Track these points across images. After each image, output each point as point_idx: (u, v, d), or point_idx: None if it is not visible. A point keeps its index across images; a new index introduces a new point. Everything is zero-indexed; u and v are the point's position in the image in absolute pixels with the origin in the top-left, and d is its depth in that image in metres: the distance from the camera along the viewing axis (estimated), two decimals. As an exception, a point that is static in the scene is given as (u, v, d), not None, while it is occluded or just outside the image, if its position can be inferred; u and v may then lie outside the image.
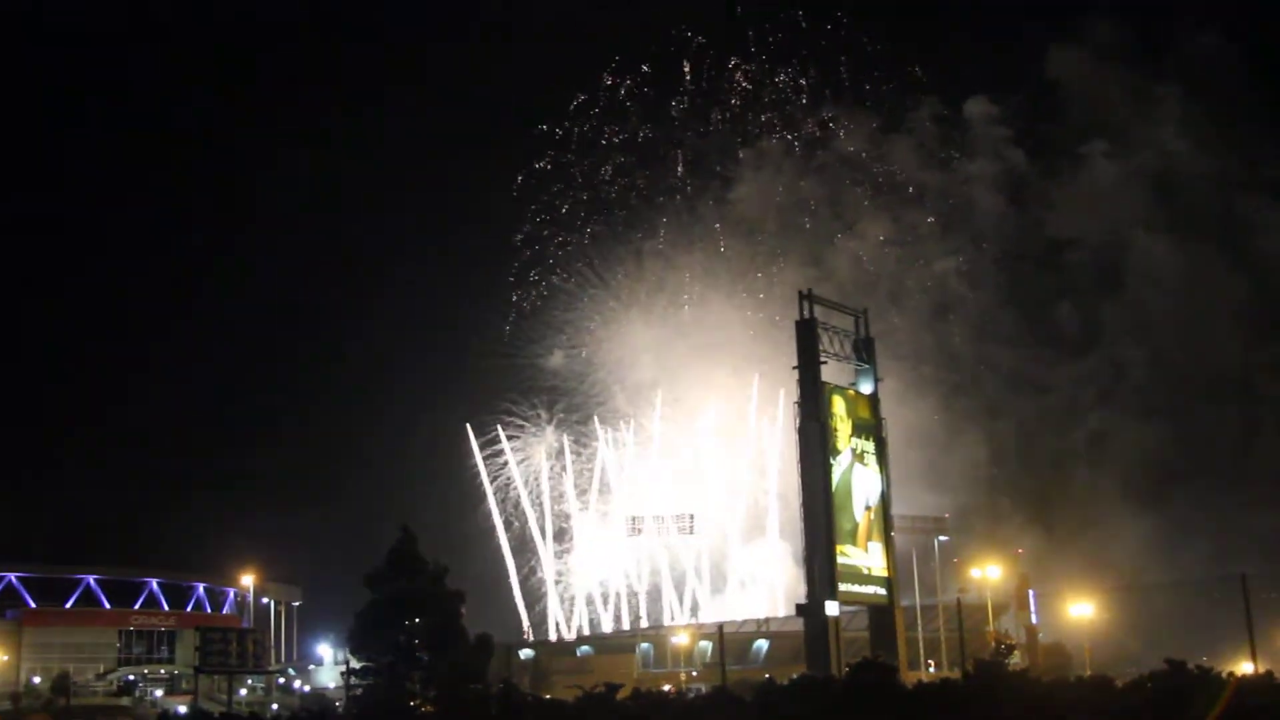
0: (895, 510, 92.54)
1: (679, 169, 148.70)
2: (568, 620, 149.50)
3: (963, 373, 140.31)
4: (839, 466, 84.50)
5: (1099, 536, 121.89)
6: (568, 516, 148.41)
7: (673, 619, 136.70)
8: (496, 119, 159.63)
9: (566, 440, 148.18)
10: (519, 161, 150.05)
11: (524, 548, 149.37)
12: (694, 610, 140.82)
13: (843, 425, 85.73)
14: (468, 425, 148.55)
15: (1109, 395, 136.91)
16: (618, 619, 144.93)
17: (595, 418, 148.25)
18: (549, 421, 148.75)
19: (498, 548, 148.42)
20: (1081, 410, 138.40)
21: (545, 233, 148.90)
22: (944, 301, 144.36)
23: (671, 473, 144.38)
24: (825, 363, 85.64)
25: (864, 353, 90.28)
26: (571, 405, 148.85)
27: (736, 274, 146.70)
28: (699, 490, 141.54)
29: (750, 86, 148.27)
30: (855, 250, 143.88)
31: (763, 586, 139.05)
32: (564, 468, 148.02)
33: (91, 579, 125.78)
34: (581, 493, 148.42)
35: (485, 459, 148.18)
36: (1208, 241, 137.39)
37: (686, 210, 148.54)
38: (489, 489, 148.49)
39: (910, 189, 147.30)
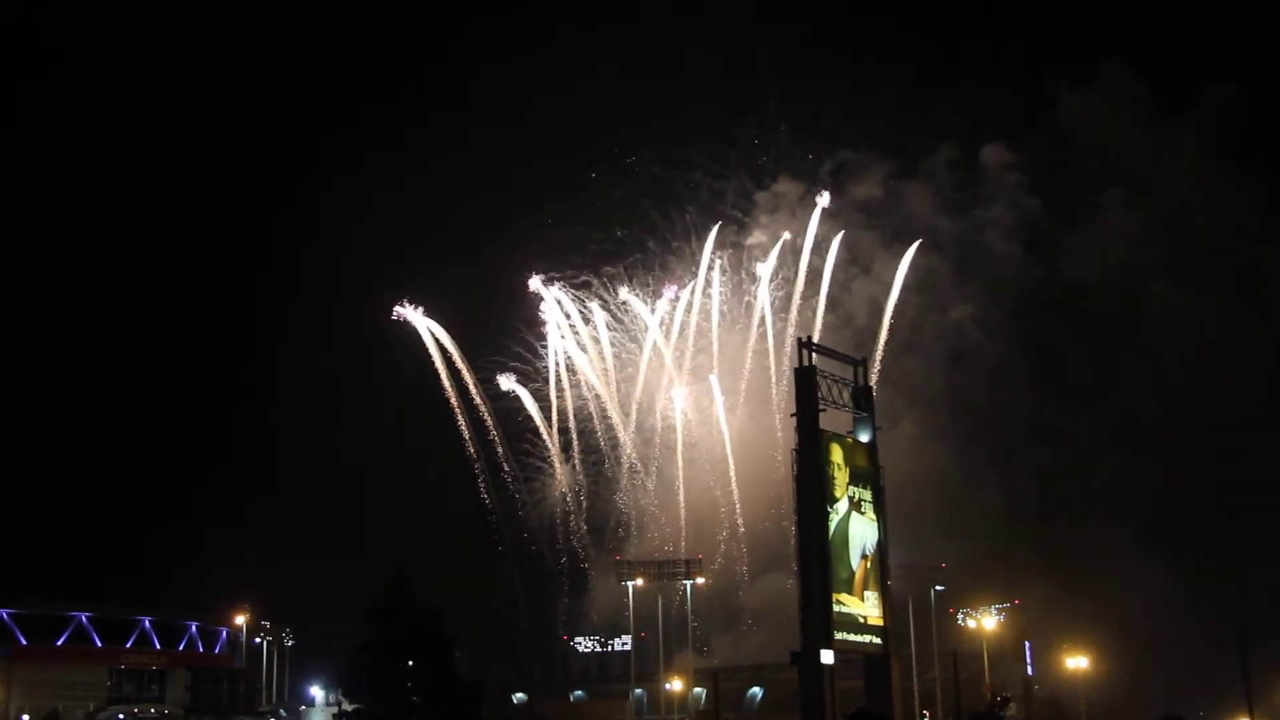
0: (895, 558, 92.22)
1: (692, 215, 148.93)
2: (569, 663, 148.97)
3: (977, 419, 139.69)
4: (836, 515, 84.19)
5: (1110, 585, 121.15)
6: (579, 557, 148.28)
7: (672, 659, 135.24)
8: (506, 185, 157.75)
9: (583, 480, 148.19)
10: (532, 218, 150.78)
11: (530, 589, 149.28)
12: (702, 650, 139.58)
13: (840, 473, 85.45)
14: (478, 465, 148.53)
15: (1124, 443, 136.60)
16: (617, 662, 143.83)
17: (609, 458, 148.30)
18: (565, 462, 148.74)
19: (505, 588, 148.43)
20: (1096, 457, 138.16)
21: (557, 275, 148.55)
22: (959, 348, 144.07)
23: (688, 512, 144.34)
24: (824, 410, 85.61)
25: (862, 401, 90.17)
26: (588, 447, 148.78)
27: (756, 317, 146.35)
28: (714, 529, 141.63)
29: (759, 142, 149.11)
30: (872, 295, 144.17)
31: (774, 624, 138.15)
32: (579, 509, 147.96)
33: (84, 617, 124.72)
34: (593, 529, 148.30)
35: (499, 500, 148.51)
36: (1224, 290, 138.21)
37: (704, 254, 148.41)
38: (500, 528, 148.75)
39: (899, 236, 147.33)
